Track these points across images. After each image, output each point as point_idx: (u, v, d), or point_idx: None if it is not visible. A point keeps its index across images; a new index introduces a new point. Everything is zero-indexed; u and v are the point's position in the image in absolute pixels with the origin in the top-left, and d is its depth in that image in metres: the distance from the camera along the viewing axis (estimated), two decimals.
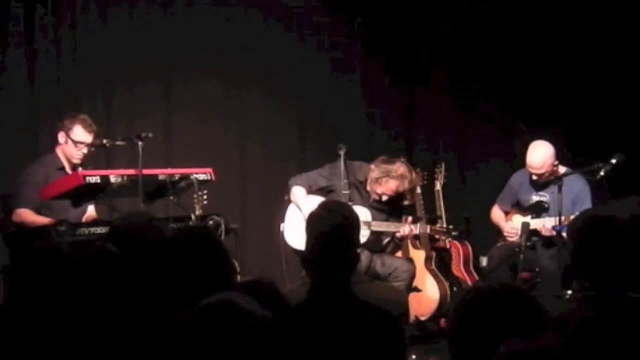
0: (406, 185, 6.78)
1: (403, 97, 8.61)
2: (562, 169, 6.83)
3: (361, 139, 7.98)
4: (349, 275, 3.36)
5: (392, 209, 6.95)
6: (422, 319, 7.03)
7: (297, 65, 8.10)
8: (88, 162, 6.38)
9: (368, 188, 6.87)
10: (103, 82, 7.54)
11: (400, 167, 6.76)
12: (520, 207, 7.05)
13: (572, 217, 6.36)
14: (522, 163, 7.03)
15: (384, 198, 6.81)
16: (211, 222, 5.93)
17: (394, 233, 6.90)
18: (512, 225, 6.98)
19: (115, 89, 7.59)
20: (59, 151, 6.32)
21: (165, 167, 6.28)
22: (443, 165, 7.64)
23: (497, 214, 7.17)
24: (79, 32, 7.36)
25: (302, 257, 3.55)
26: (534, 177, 6.82)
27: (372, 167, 6.81)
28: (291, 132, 8.24)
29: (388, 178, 6.75)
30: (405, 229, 6.80)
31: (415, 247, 7.19)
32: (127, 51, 7.49)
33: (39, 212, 6.11)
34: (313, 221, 3.42)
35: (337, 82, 8.29)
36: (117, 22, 7.48)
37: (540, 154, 6.76)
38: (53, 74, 7.27)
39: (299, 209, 6.79)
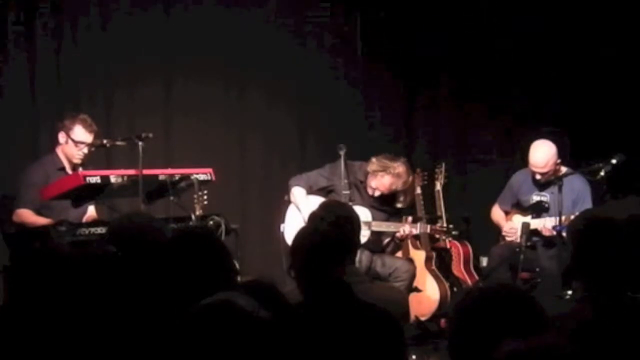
0: (399, 185, 6.78)
1: (403, 97, 8.60)
2: (563, 169, 6.83)
3: (361, 139, 7.96)
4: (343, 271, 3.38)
5: (392, 208, 6.95)
6: (422, 319, 7.02)
7: (297, 65, 8.08)
8: (88, 162, 6.38)
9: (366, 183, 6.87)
10: (103, 82, 7.53)
11: (399, 166, 6.77)
12: (520, 207, 7.06)
13: (572, 217, 6.37)
14: (523, 163, 7.03)
15: (376, 193, 6.81)
16: (211, 222, 5.93)
17: (394, 233, 6.90)
18: (510, 225, 6.99)
19: (116, 89, 7.58)
20: (59, 151, 6.32)
21: (165, 167, 6.28)
22: (443, 165, 7.63)
23: (497, 213, 7.18)
24: (79, 32, 7.36)
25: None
26: (537, 176, 6.81)
27: (373, 159, 6.82)
28: (291, 132, 8.23)
29: (384, 173, 6.75)
30: (405, 228, 6.80)
31: (415, 247, 7.19)
32: (127, 51, 7.48)
33: (39, 212, 6.11)
34: (314, 220, 3.43)
35: (337, 81, 8.28)
36: (117, 22, 7.46)
37: (543, 153, 6.77)
38: (53, 74, 7.27)
39: (298, 209, 6.79)
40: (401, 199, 6.91)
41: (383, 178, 6.77)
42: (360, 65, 8.40)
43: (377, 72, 8.43)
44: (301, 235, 3.65)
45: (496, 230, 7.20)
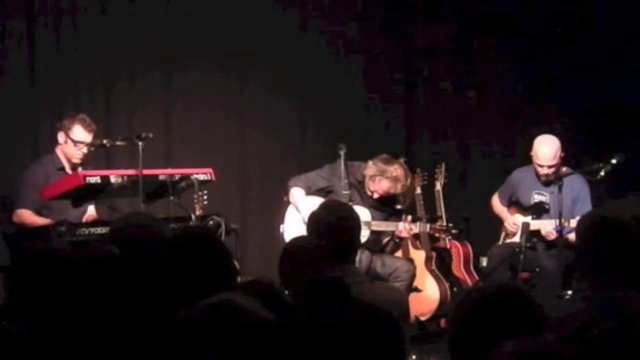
0: (398, 189, 6.77)
1: (404, 95, 8.61)
2: (563, 169, 6.82)
3: (362, 136, 7.95)
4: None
5: (392, 209, 6.95)
6: (422, 319, 7.03)
7: (297, 60, 8.07)
8: (88, 162, 6.38)
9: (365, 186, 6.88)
10: (103, 79, 7.52)
11: (396, 170, 6.73)
12: (521, 206, 7.05)
13: (572, 217, 6.37)
14: (525, 161, 7.03)
15: (375, 195, 6.81)
16: (211, 222, 5.93)
17: (394, 232, 6.90)
18: (514, 220, 6.99)
19: (115, 85, 7.56)
20: (58, 151, 6.32)
21: (165, 167, 6.28)
22: (443, 165, 7.63)
23: (499, 204, 7.18)
24: (78, 27, 7.33)
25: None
26: (546, 171, 6.75)
27: (370, 163, 6.81)
28: (292, 134, 8.23)
29: (382, 177, 6.74)
30: (405, 225, 6.77)
31: (415, 247, 7.18)
32: (127, 46, 7.47)
33: (39, 212, 6.11)
34: (314, 220, 3.43)
35: (338, 79, 8.27)
36: (116, 16, 7.43)
37: (550, 146, 6.76)
38: (53, 71, 7.26)
39: (297, 210, 6.79)
40: (400, 200, 6.91)
41: (381, 182, 6.75)
42: (363, 59, 8.38)
43: (379, 67, 8.43)
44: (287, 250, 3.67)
45: (496, 230, 7.20)
